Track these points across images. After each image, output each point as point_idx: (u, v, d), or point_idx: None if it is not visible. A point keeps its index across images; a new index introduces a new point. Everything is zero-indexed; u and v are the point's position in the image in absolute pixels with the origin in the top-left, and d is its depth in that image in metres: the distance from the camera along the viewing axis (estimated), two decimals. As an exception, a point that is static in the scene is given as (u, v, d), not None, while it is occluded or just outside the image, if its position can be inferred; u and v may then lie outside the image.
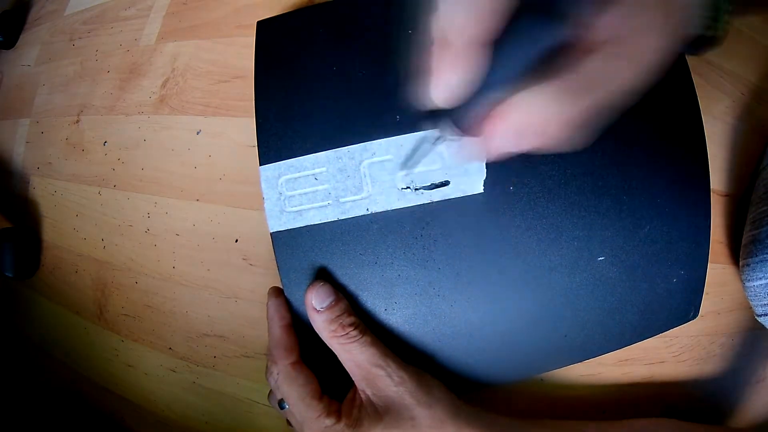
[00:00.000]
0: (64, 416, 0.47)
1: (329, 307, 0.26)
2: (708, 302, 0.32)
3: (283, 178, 0.28)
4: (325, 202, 0.27)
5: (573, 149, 0.15)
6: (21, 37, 0.53)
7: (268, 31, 0.29)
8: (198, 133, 0.37)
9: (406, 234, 0.27)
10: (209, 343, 0.36)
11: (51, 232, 0.45)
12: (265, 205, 0.28)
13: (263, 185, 0.28)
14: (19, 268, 0.45)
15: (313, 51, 0.29)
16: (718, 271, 0.31)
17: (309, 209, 0.28)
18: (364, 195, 0.27)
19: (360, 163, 0.27)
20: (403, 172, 0.27)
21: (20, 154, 0.48)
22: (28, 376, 0.49)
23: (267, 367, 0.28)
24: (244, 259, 0.35)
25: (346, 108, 0.28)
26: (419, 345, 0.28)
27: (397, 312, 0.27)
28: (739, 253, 0.31)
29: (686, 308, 0.28)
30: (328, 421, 0.25)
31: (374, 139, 0.27)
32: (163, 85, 0.39)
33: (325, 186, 0.28)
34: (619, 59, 0.14)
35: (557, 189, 0.27)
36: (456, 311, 0.27)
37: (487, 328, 0.27)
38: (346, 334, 0.26)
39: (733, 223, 0.33)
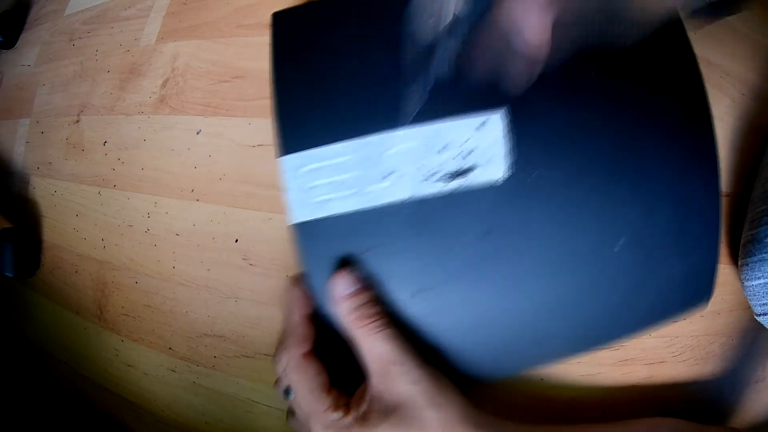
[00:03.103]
0: (64, 416, 0.47)
1: (354, 294, 0.26)
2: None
3: (306, 168, 0.27)
4: (350, 191, 0.27)
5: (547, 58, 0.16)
6: (21, 37, 0.53)
7: (284, 22, 0.29)
8: (198, 133, 0.37)
9: (433, 221, 0.27)
10: (209, 343, 0.36)
11: (51, 232, 0.45)
12: (288, 196, 0.27)
13: (285, 176, 0.27)
14: (19, 268, 0.45)
15: (334, 41, 0.28)
16: (718, 270, 0.31)
17: (333, 199, 0.27)
18: (389, 183, 0.27)
19: (385, 152, 0.27)
20: (429, 160, 0.27)
21: (20, 154, 0.48)
22: (29, 376, 0.49)
23: (276, 353, 0.28)
24: (244, 259, 0.35)
25: (370, 97, 0.28)
26: (443, 335, 0.27)
27: (423, 301, 0.27)
28: (738, 252, 0.31)
29: (702, 291, 0.28)
30: (335, 415, 0.25)
31: (398, 128, 0.27)
32: (163, 85, 0.39)
33: (350, 175, 0.27)
34: None
35: (577, 175, 0.27)
36: (483, 299, 0.27)
37: (512, 316, 0.27)
38: (369, 323, 0.25)
39: (733, 222, 0.33)
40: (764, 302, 0.29)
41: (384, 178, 0.27)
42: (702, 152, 0.28)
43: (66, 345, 0.45)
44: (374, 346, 0.25)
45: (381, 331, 0.25)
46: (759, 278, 0.29)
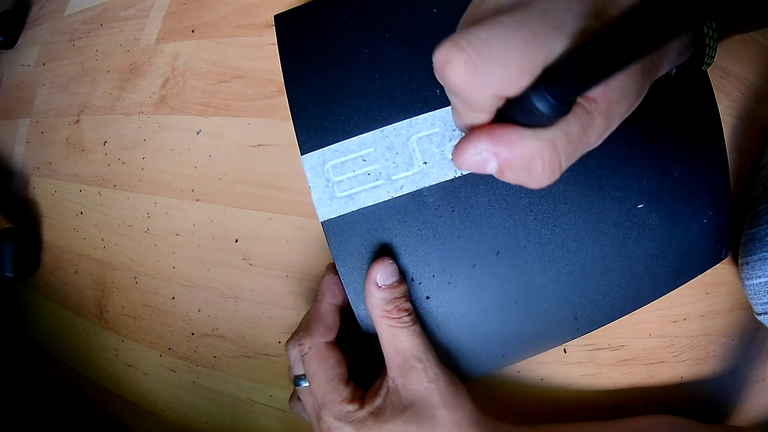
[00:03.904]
0: (64, 416, 0.47)
1: (391, 287, 0.26)
2: (708, 302, 0.32)
3: (329, 164, 0.28)
4: (377, 182, 0.27)
5: (542, 187, 0.17)
6: (21, 37, 0.53)
7: (288, 23, 0.29)
8: (198, 133, 0.37)
9: (462, 202, 0.27)
10: (209, 343, 0.36)
11: (51, 232, 0.45)
12: (312, 194, 0.27)
13: (308, 174, 0.28)
14: (19, 268, 0.45)
15: (341, 36, 0.29)
16: (718, 270, 0.31)
17: (360, 192, 0.27)
18: (415, 170, 0.27)
19: (407, 139, 0.27)
20: (452, 143, 0.27)
21: (20, 154, 0.48)
22: (29, 376, 0.49)
23: (294, 337, 0.27)
24: (244, 259, 0.35)
25: (384, 88, 0.28)
26: (483, 313, 0.28)
27: (460, 282, 0.27)
28: (738, 251, 0.31)
29: (718, 248, 0.29)
30: (351, 407, 0.25)
31: (417, 115, 0.27)
32: (163, 85, 0.39)
33: (375, 166, 0.27)
34: (595, 118, 0.17)
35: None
36: (519, 274, 0.27)
37: (547, 289, 0.27)
38: (399, 318, 0.25)
39: (733, 222, 0.33)
40: (765, 301, 0.29)
41: (409, 165, 0.27)
42: (706, 112, 0.29)
43: (66, 345, 0.45)
44: (400, 340, 0.25)
45: (408, 327, 0.25)
46: (759, 277, 0.29)
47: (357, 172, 0.27)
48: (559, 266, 0.27)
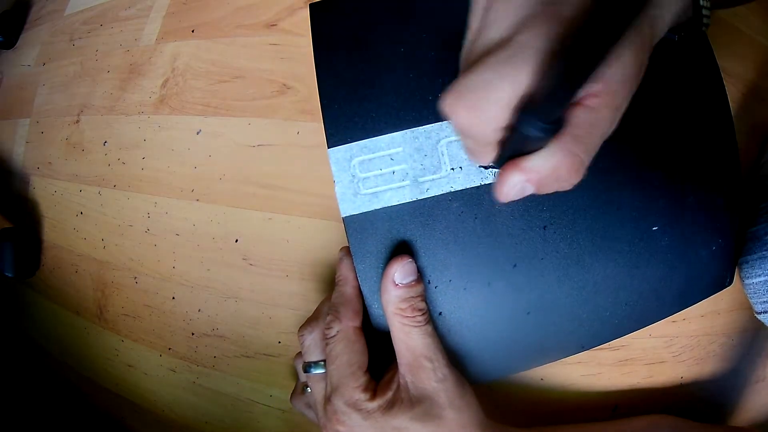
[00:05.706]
0: (64, 416, 0.47)
1: (408, 286, 0.26)
2: (708, 302, 0.32)
3: (356, 159, 0.27)
4: (403, 183, 0.27)
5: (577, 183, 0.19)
6: (21, 37, 0.53)
7: (323, 12, 0.29)
8: (198, 133, 0.37)
9: (486, 210, 0.27)
10: (209, 343, 0.36)
11: (51, 232, 0.45)
12: (336, 188, 0.27)
13: (333, 168, 0.27)
14: (19, 268, 0.45)
15: (378, 32, 0.28)
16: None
17: (385, 190, 0.27)
18: (443, 174, 0.27)
19: (437, 142, 0.27)
20: None
21: (20, 154, 0.48)
22: (29, 376, 0.49)
23: (309, 324, 0.28)
24: (244, 259, 0.35)
25: (418, 88, 0.28)
26: (495, 321, 0.28)
27: (476, 290, 0.27)
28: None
29: (723, 275, 0.29)
30: (363, 396, 0.25)
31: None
32: (163, 85, 0.39)
33: (402, 166, 0.27)
34: (601, 111, 0.17)
35: (619, 163, 0.28)
36: (533, 285, 0.27)
37: (559, 302, 0.28)
38: (413, 317, 0.25)
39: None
40: (764, 300, 0.29)
41: (437, 168, 0.27)
42: (723, 140, 0.29)
43: (66, 345, 0.45)
44: (411, 339, 0.25)
45: (421, 326, 0.25)
46: (759, 276, 0.29)
47: (383, 171, 0.27)
48: (573, 281, 0.27)
